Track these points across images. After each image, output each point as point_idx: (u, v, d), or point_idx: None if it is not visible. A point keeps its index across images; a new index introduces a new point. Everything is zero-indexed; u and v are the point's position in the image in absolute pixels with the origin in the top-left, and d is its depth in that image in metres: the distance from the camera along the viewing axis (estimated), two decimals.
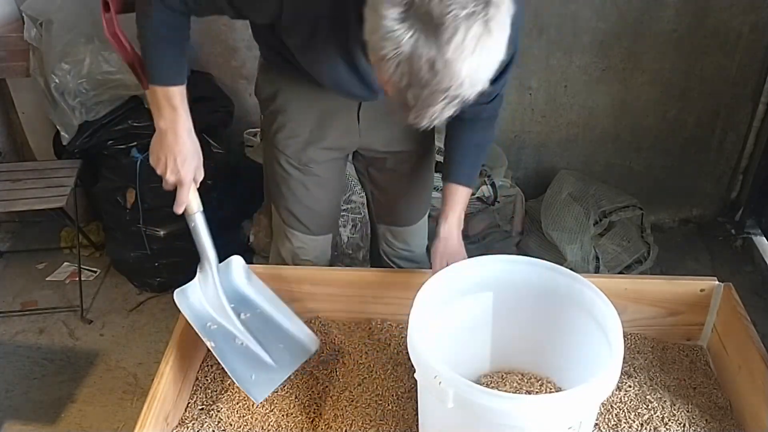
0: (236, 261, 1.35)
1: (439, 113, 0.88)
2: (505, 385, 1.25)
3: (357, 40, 1.12)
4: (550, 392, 1.23)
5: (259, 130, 2.27)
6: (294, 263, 1.55)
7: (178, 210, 1.23)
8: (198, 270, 1.29)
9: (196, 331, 1.24)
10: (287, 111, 1.40)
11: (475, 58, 0.82)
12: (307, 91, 1.35)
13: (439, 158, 2.35)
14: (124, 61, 1.24)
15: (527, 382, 1.26)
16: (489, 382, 1.26)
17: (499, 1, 0.82)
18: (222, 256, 1.47)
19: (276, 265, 1.55)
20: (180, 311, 1.26)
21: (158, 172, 1.22)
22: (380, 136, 1.43)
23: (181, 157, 1.19)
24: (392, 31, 0.81)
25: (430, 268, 1.33)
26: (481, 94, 1.20)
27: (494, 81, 1.20)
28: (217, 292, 1.30)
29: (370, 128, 1.41)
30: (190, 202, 1.23)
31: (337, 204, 1.62)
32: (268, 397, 1.25)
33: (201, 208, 1.25)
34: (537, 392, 1.23)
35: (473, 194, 2.31)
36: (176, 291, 1.26)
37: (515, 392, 1.23)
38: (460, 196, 1.37)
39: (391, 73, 0.84)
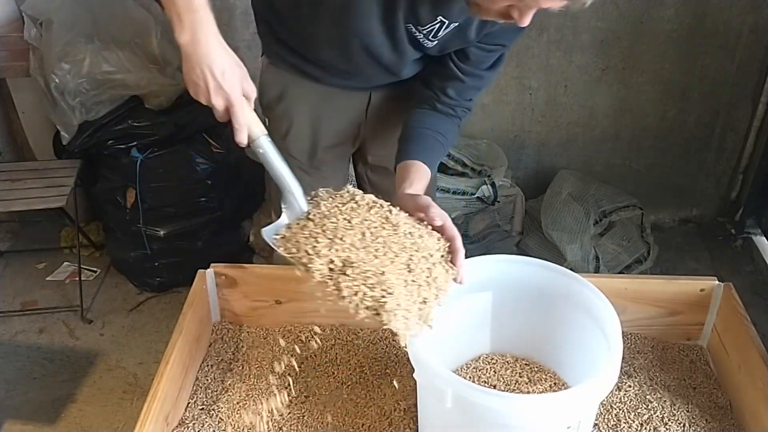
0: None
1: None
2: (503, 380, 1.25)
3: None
4: (551, 385, 1.23)
5: None
6: None
7: (240, 138, 1.00)
8: (282, 205, 1.06)
9: None
10: (294, 113, 1.38)
11: None
12: (314, 91, 1.34)
13: (444, 160, 2.37)
14: None
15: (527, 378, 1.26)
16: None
17: None
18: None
19: (277, 265, 1.55)
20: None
21: (202, 101, 1.00)
22: (386, 132, 1.41)
23: (218, 67, 0.96)
24: None
25: None
26: (475, 76, 1.23)
27: (489, 68, 1.23)
28: None
29: (377, 122, 1.39)
30: (250, 124, 1.00)
31: None
32: (267, 397, 1.25)
33: (265, 131, 1.02)
34: (537, 382, 1.23)
35: (473, 194, 2.31)
36: (263, 229, 1.04)
37: (515, 381, 1.23)
38: (422, 171, 1.13)
39: None
